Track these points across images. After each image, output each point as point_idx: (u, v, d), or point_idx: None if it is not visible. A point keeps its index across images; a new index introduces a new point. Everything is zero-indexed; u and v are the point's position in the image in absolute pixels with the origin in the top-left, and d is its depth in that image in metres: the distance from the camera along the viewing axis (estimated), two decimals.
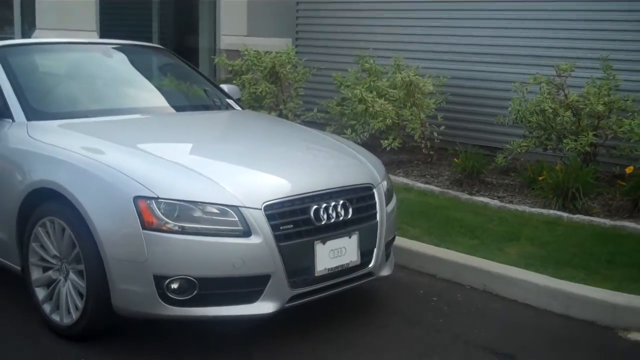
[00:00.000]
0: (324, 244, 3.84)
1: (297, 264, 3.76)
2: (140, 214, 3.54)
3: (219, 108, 5.35)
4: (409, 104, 7.75)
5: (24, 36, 9.54)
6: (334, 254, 3.90)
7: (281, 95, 8.86)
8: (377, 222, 4.16)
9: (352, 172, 4.32)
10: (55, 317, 3.88)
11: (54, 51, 5.22)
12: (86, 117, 4.48)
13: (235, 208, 3.63)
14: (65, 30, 8.76)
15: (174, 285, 3.57)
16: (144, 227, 3.53)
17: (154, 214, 3.55)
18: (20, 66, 4.65)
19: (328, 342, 3.94)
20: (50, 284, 3.92)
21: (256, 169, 4.06)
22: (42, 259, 3.93)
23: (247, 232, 3.62)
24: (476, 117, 8.26)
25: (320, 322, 4.16)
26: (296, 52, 9.10)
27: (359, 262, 4.04)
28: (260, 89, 8.63)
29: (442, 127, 7.87)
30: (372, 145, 8.09)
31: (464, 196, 6.35)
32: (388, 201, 4.39)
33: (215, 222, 3.60)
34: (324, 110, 8.67)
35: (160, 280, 3.55)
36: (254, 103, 8.87)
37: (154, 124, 4.71)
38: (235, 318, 3.69)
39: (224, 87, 5.59)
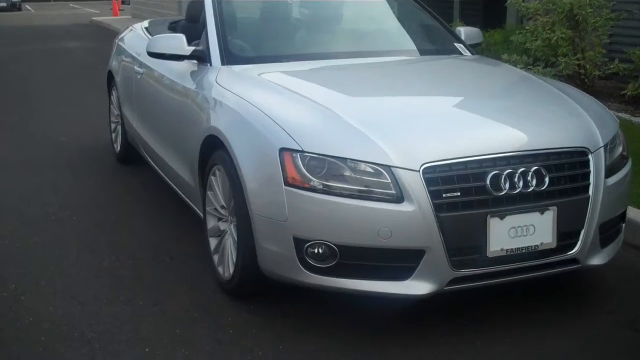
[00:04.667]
0: (501, 219, 3.11)
1: (462, 240, 3.10)
2: (284, 168, 3.19)
3: (437, 53, 4.70)
4: None
5: None
6: (517, 232, 3.14)
7: (580, 43, 7.72)
8: (588, 197, 3.28)
9: (561, 131, 3.44)
10: (220, 270, 3.72)
11: None
12: (280, 61, 4.24)
13: (387, 168, 3.08)
14: None
15: (314, 251, 3.17)
16: (286, 184, 3.18)
17: (298, 169, 3.16)
18: (231, 10, 4.53)
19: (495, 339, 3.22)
20: (220, 234, 3.78)
21: (426, 123, 3.40)
22: (215, 209, 3.80)
23: (399, 198, 3.06)
24: None
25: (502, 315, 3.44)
26: None
27: (554, 245, 3.22)
28: (555, 36, 7.61)
29: None
30: None
31: None
32: (614, 171, 3.44)
33: (363, 182, 3.10)
34: (629, 61, 7.37)
35: (300, 244, 3.18)
36: (547, 51, 7.88)
37: (349, 71, 4.24)
38: (381, 295, 3.18)
39: (461, 30, 4.89)
